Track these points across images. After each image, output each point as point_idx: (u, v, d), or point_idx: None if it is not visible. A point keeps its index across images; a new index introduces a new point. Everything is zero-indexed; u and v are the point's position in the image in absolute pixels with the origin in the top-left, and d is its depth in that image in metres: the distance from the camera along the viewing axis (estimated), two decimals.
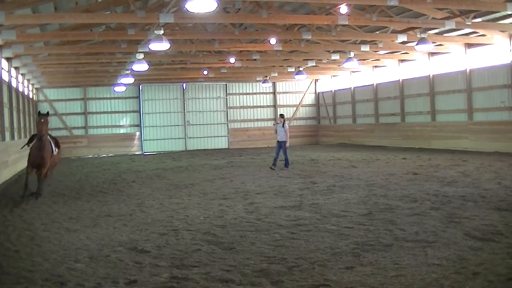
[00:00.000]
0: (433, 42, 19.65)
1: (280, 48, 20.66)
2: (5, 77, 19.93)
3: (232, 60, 23.28)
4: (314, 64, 27.02)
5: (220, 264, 5.94)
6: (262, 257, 6.16)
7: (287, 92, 36.09)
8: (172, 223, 8.50)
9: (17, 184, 14.86)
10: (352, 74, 32.31)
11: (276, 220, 8.38)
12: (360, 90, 31.60)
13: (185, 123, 34.13)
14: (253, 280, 5.32)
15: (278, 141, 17.56)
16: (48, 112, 12.27)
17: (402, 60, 26.99)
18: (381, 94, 29.53)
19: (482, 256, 5.83)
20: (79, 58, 22.14)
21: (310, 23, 18.34)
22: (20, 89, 24.10)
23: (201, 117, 34.48)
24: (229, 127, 34.99)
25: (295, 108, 36.16)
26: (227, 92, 34.88)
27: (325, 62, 27.11)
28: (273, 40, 19.62)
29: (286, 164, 17.29)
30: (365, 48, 21.47)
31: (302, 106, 36.41)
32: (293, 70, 28.37)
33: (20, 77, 23.98)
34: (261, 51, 22.91)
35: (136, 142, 33.32)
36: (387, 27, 20.22)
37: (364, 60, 26.59)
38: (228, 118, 34.95)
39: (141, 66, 20.24)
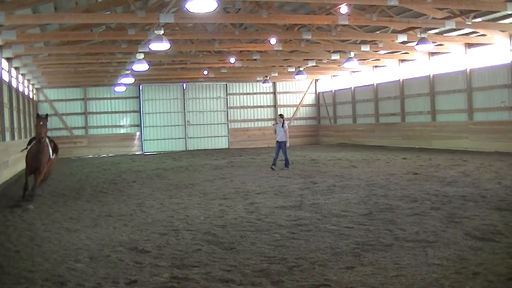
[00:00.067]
0: (433, 42, 19.64)
1: (280, 48, 20.65)
2: (5, 77, 19.92)
3: (232, 60, 23.28)
4: (314, 64, 27.02)
5: (221, 264, 5.94)
6: (262, 257, 6.16)
7: (287, 92, 36.08)
8: (173, 223, 8.50)
9: (17, 184, 14.83)
10: (352, 74, 32.31)
11: (277, 220, 8.38)
12: (360, 90, 31.59)
13: (185, 123, 34.12)
14: (254, 280, 5.32)
15: (277, 141, 17.50)
16: (47, 114, 11.88)
17: (402, 60, 26.99)
18: (381, 94, 29.53)
19: (482, 256, 5.83)
20: (79, 58, 22.16)
21: (310, 23, 18.34)
22: (20, 89, 24.10)
23: (201, 117, 34.47)
24: (229, 127, 34.98)
25: (295, 108, 36.15)
26: (227, 92, 34.88)
27: (325, 62, 27.10)
28: (273, 40, 19.62)
29: (286, 164, 17.27)
30: (365, 48, 21.48)
31: (302, 106, 36.40)
32: (293, 70, 28.36)
33: (20, 77, 23.97)
34: (261, 51, 22.90)
35: (136, 142, 33.32)
36: (387, 27, 20.22)
37: (364, 60, 26.59)
38: (228, 118, 34.95)
39: (141, 66, 20.24)
